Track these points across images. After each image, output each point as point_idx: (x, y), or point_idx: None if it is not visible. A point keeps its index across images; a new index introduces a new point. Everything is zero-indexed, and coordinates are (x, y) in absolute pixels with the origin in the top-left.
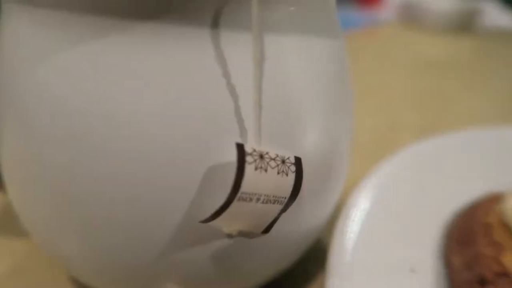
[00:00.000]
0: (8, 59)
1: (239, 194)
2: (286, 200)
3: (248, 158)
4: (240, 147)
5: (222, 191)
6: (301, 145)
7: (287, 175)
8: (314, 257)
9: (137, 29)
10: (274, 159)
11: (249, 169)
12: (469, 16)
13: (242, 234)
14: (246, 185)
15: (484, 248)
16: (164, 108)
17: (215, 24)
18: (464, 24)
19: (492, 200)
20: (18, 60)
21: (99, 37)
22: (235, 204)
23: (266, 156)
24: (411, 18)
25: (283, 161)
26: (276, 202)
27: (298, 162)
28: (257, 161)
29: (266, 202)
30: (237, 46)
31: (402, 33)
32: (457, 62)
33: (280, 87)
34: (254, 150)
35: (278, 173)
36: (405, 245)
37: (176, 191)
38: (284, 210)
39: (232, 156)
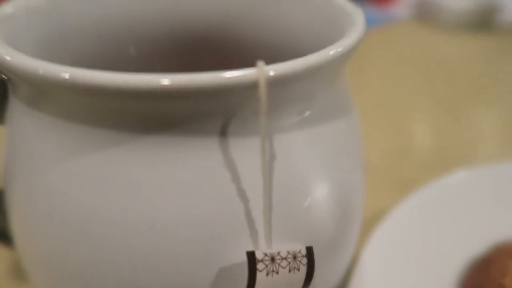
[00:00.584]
0: (18, 154)
1: None
2: (299, 284)
3: (259, 266)
4: (250, 255)
5: None
6: (313, 232)
7: (298, 270)
8: None
9: (146, 140)
10: (285, 258)
11: (260, 276)
12: (488, 14)
13: None
14: None
15: None
16: (173, 213)
17: (223, 132)
18: (483, 22)
19: (509, 253)
20: (27, 158)
21: (107, 147)
22: None
23: (277, 257)
24: (427, 15)
25: (295, 257)
26: None
27: (310, 252)
28: (268, 265)
29: None
30: (246, 151)
31: (417, 31)
32: (477, 64)
33: (291, 183)
34: (266, 255)
35: (290, 271)
36: None
37: None
38: None
39: (243, 256)
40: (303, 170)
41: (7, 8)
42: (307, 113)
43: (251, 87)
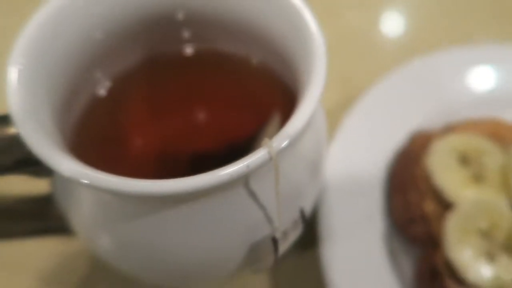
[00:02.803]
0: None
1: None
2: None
3: (280, 242)
4: (274, 240)
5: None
6: (303, 201)
7: (298, 226)
8: None
9: (190, 199)
10: (291, 227)
11: (280, 245)
12: None
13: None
14: (280, 253)
15: (412, 196)
16: (224, 225)
17: (246, 183)
18: None
19: (423, 145)
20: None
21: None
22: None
23: (287, 229)
24: None
25: (295, 222)
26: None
27: (302, 212)
28: (283, 237)
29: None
30: (261, 182)
31: None
32: None
33: (289, 187)
34: (281, 233)
35: (294, 230)
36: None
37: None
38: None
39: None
40: (295, 176)
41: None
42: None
43: (266, 161)
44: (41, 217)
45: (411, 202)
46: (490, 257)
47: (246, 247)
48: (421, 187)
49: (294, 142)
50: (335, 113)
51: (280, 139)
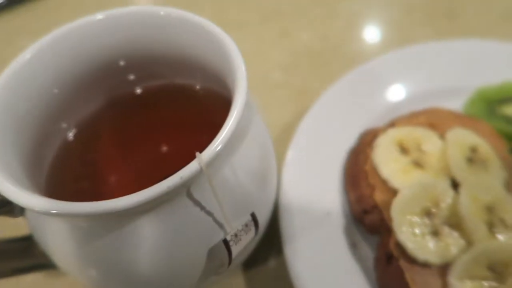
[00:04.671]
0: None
1: (232, 261)
2: (253, 235)
3: (230, 242)
4: (225, 242)
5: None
6: (251, 205)
7: (250, 229)
8: None
9: (142, 214)
10: (242, 229)
11: (232, 247)
12: None
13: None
14: (234, 254)
15: (364, 189)
16: (183, 232)
17: (188, 193)
18: None
19: (370, 141)
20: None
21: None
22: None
23: (238, 232)
24: None
25: (246, 225)
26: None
27: (253, 216)
28: (234, 239)
29: (243, 248)
30: (203, 191)
31: None
32: None
33: (232, 193)
34: (231, 235)
35: (246, 233)
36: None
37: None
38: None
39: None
40: (239, 184)
41: None
42: (230, 153)
43: (198, 172)
44: (26, 255)
45: (364, 194)
46: (435, 234)
47: (205, 252)
48: (371, 180)
49: (224, 153)
50: (295, 123)
51: (209, 152)
